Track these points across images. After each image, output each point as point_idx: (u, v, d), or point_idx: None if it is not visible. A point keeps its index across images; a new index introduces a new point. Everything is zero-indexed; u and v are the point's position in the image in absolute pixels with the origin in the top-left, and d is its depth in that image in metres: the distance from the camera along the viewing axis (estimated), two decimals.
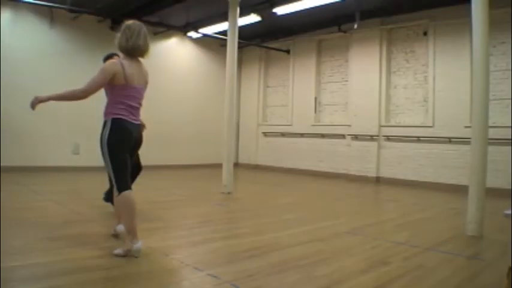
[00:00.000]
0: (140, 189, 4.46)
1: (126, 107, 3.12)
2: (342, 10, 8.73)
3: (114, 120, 3.08)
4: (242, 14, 7.54)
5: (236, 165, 10.85)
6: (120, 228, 3.43)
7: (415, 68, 9.06)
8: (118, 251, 3.09)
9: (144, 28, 3.25)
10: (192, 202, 6.05)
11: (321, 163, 10.54)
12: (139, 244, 3.05)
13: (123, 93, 3.10)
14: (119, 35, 3.20)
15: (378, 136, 9.42)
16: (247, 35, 10.38)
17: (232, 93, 6.98)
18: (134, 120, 3.19)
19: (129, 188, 3.12)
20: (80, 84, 3.03)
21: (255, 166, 12.18)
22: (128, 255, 3.05)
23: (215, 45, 11.61)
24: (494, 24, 6.02)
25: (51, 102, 3.10)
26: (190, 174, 9.67)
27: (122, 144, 3.09)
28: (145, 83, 3.32)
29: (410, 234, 4.28)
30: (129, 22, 3.25)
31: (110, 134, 3.05)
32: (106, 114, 3.15)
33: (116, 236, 3.59)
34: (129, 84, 3.10)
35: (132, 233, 3.07)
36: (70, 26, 9.17)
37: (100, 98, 3.43)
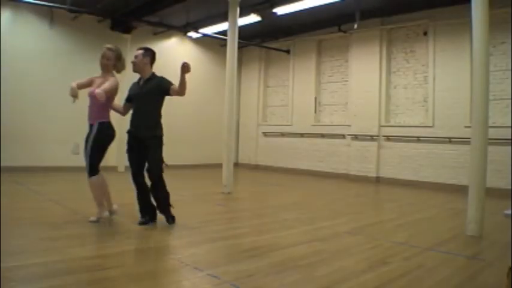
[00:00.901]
0: None
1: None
2: (342, 10, 8.73)
3: (102, 123, 4.06)
4: (242, 14, 7.54)
5: (236, 165, 10.85)
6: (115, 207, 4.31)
7: (415, 68, 9.06)
8: (92, 218, 4.12)
9: None
10: (192, 202, 6.05)
11: (321, 163, 10.54)
12: (106, 213, 4.23)
13: (112, 102, 4.17)
14: (122, 59, 4.26)
15: (378, 136, 9.41)
16: (247, 35, 10.37)
17: (232, 93, 6.98)
18: None
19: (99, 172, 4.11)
20: None
21: (255, 166, 12.18)
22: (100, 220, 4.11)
23: (215, 45, 11.61)
24: (494, 24, 6.01)
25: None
26: (190, 174, 9.67)
27: (104, 143, 4.08)
28: None
29: (410, 234, 4.28)
30: (115, 47, 4.24)
31: (97, 135, 4.02)
32: (95, 118, 4.06)
33: (112, 213, 4.28)
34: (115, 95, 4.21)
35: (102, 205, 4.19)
36: (70, 26, 9.17)
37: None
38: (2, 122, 8.05)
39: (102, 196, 4.16)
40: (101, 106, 3.99)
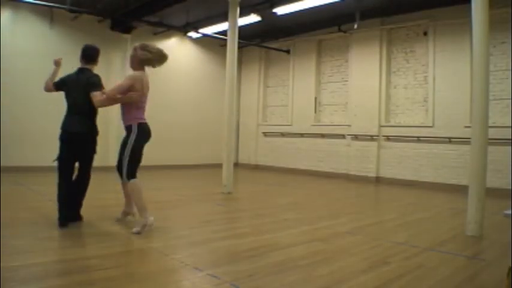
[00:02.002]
0: None
1: None
2: (342, 10, 8.73)
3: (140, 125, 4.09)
4: (242, 14, 7.54)
5: (236, 165, 10.85)
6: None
7: (415, 68, 9.06)
8: (136, 229, 3.74)
9: None
10: (192, 202, 6.05)
11: (321, 163, 10.54)
12: (152, 218, 3.82)
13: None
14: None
15: (377, 136, 9.41)
16: (247, 35, 10.37)
17: (232, 93, 6.98)
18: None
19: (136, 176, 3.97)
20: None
21: (255, 166, 12.18)
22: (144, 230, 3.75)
23: (215, 45, 11.61)
24: (494, 24, 6.02)
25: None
26: (190, 174, 9.67)
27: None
28: None
29: (410, 234, 4.28)
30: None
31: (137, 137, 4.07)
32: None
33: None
34: None
35: (144, 210, 3.81)
36: (70, 26, 9.17)
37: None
38: (2, 122, 8.05)
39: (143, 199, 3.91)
40: None
